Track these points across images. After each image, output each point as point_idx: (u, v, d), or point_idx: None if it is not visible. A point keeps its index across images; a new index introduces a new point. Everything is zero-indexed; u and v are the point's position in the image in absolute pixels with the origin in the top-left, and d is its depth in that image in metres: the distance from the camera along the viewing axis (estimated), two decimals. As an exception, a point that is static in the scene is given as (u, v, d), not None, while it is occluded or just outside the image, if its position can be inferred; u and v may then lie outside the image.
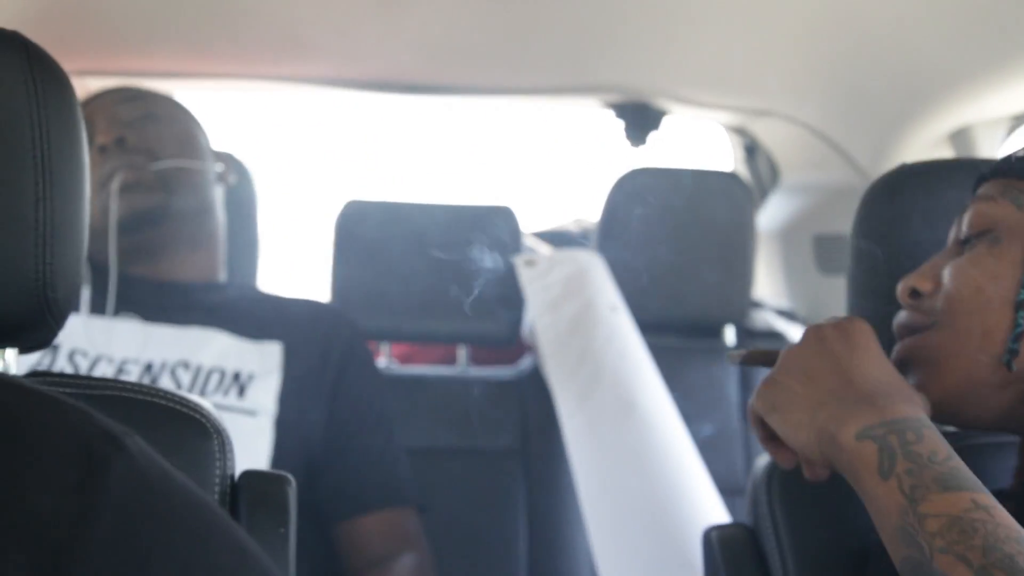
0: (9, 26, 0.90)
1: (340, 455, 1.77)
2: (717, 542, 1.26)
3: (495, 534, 2.14)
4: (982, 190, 1.07)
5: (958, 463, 0.87)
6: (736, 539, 1.26)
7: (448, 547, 1.91)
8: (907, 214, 1.32)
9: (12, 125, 0.85)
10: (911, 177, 1.36)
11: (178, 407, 1.06)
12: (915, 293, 1.07)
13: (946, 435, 1.24)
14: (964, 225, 1.07)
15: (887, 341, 1.15)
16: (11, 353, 1.02)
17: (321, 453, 1.75)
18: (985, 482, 1.16)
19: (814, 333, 1.01)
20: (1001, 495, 1.06)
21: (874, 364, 0.97)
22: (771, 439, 1.02)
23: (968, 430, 1.21)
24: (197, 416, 1.06)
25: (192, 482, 0.61)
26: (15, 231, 0.85)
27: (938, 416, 1.04)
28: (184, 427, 1.05)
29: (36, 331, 0.91)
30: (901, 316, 1.11)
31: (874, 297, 1.29)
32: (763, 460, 1.28)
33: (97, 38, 2.26)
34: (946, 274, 1.04)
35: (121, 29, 2.23)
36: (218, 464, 1.06)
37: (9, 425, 0.56)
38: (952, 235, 1.10)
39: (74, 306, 0.94)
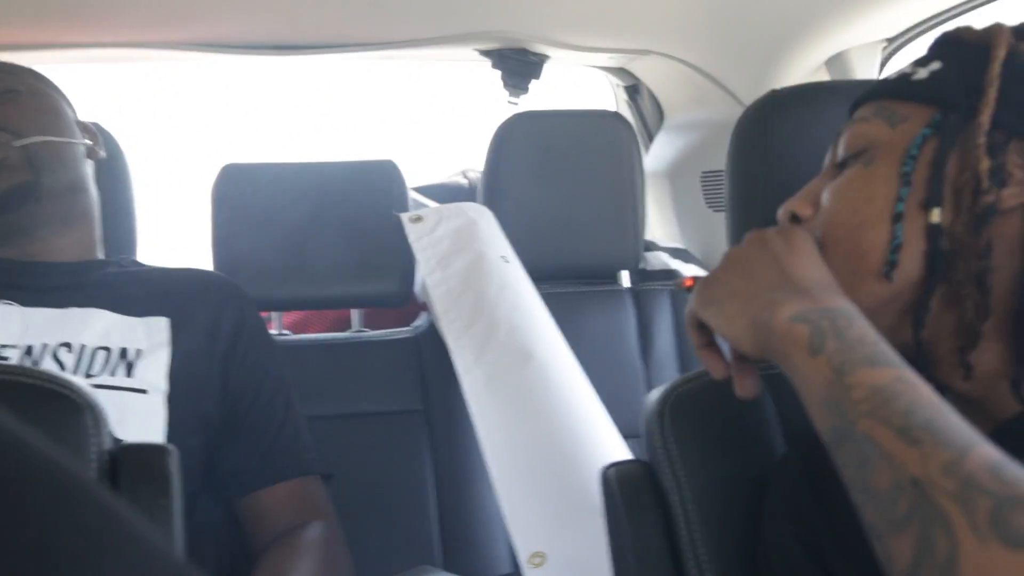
0: None
1: (239, 428, 1.77)
2: (615, 480, 1.28)
3: (404, 495, 2.15)
4: (858, 112, 1.10)
5: (886, 347, 0.89)
6: (633, 475, 1.28)
7: (357, 513, 1.91)
8: (781, 140, 1.36)
9: None
10: (781, 103, 1.40)
11: (46, 384, 1.07)
12: (795, 218, 1.11)
13: None
14: (840, 147, 1.11)
15: None
16: None
17: (219, 428, 1.75)
18: None
19: (757, 235, 1.04)
20: None
21: (812, 265, 1.00)
22: (706, 347, 1.06)
23: None
24: (67, 392, 1.07)
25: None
26: None
27: None
28: (55, 404, 1.06)
29: None
30: None
31: (754, 224, 1.28)
32: (655, 394, 1.30)
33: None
34: (824, 197, 1.08)
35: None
36: (93, 439, 1.07)
37: None
38: (828, 158, 1.14)
39: None
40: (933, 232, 0.99)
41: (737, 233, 1.39)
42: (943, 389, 1.06)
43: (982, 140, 0.97)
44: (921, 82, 1.05)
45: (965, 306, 0.99)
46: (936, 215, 0.99)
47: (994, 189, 0.97)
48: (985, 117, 0.98)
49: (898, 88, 1.07)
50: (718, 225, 2.71)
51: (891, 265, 1.00)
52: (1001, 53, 1.00)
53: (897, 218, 1.00)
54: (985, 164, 0.97)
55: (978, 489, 0.72)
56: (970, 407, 1.01)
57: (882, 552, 0.77)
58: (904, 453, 0.77)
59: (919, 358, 1.02)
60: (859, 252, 1.03)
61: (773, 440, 1.29)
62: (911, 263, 1.01)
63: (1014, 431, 0.99)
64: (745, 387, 1.03)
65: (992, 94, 0.98)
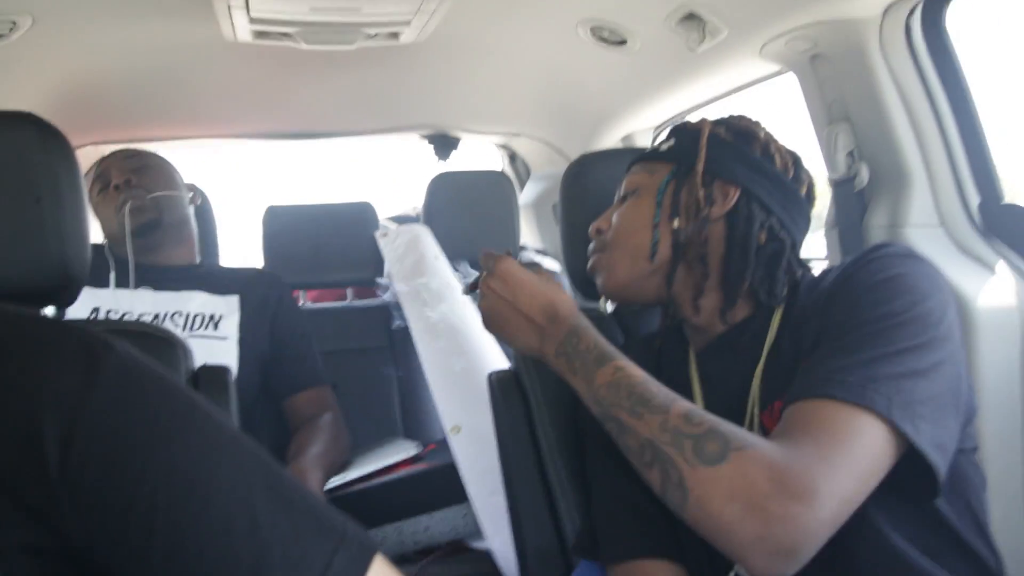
0: (46, 115, 0.93)
1: (281, 359, 1.79)
2: (496, 382, 1.31)
3: (377, 401, 2.15)
4: (633, 168, 1.14)
5: (602, 343, 0.92)
6: (507, 379, 1.31)
7: (350, 409, 1.90)
8: (590, 183, 1.38)
9: (30, 174, 0.88)
10: (587, 163, 1.41)
11: (156, 333, 1.10)
12: (598, 231, 1.13)
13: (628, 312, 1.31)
14: (622, 188, 1.14)
15: (587, 268, 1.21)
16: (50, 310, 1.06)
17: (269, 359, 1.77)
18: (646, 329, 1.23)
19: (486, 287, 1.02)
20: (652, 337, 1.16)
21: (534, 294, 0.99)
22: None
23: (637, 305, 1.28)
24: (166, 336, 1.10)
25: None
26: (42, 238, 0.88)
27: (619, 298, 1.15)
28: (161, 345, 1.08)
29: (60, 296, 0.93)
30: (591, 245, 1.15)
31: (576, 235, 1.33)
32: None
33: (105, 119, 2.22)
34: (614, 218, 1.11)
35: (120, 113, 2.19)
36: (183, 363, 1.09)
37: (34, 336, 0.53)
38: (617, 194, 1.15)
39: (85, 278, 0.95)
40: (676, 234, 1.04)
41: (568, 236, 1.39)
42: (684, 319, 1.10)
43: (698, 180, 1.03)
44: (664, 151, 1.09)
45: (694, 273, 1.03)
46: (676, 223, 1.03)
47: (706, 207, 1.02)
48: (699, 167, 1.03)
49: (653, 154, 1.11)
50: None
51: (653, 252, 1.05)
52: (706, 132, 1.05)
53: (655, 227, 1.05)
54: (701, 193, 1.02)
55: (681, 435, 0.78)
56: (698, 331, 1.07)
57: (643, 478, 0.81)
58: (637, 424, 0.81)
59: (669, 303, 1.08)
60: (635, 246, 1.07)
61: None
62: (664, 251, 1.05)
63: (721, 340, 1.04)
64: None
65: (702, 155, 1.03)
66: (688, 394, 1.02)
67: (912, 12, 1.40)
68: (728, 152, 1.04)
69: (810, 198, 1.07)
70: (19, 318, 0.54)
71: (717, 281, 1.04)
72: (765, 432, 0.91)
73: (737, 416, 0.95)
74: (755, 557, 0.72)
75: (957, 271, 1.37)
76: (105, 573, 0.52)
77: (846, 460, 0.74)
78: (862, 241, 1.53)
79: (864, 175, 1.53)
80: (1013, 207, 1.45)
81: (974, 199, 1.47)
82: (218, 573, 0.51)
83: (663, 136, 1.13)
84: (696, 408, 0.82)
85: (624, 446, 0.84)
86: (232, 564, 0.51)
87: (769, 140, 1.06)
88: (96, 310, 1.63)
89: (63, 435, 0.49)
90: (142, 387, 0.53)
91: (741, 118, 1.09)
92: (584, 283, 1.34)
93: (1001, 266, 1.42)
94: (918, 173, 1.47)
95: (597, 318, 1.34)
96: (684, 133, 1.09)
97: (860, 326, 0.84)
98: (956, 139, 1.46)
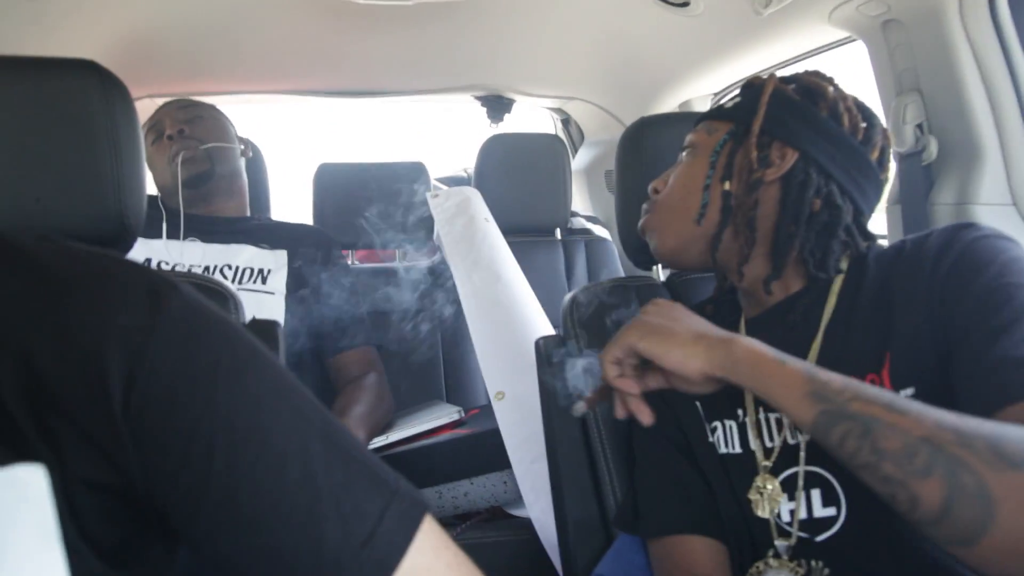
0: (105, 65, 0.93)
1: (326, 317, 1.79)
2: (543, 347, 1.30)
3: (422, 361, 2.14)
4: (697, 126, 1.08)
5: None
6: (553, 343, 1.29)
7: (395, 371, 1.91)
8: (646, 148, 1.34)
9: (91, 122, 0.88)
10: (646, 126, 1.38)
11: (210, 284, 1.11)
12: (655, 191, 1.08)
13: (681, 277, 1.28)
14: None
15: (641, 236, 1.16)
16: None
17: (315, 316, 1.76)
18: (698, 298, 1.18)
19: (657, 304, 0.91)
20: (707, 302, 1.13)
21: (697, 320, 0.88)
22: (621, 377, 0.88)
23: (689, 271, 1.26)
24: (220, 289, 1.10)
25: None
26: (100, 186, 0.88)
27: (670, 263, 1.08)
28: (214, 295, 1.09)
29: (117, 244, 0.93)
30: (644, 206, 1.11)
31: (631, 202, 1.31)
32: (567, 297, 1.30)
33: (163, 72, 2.23)
34: (671, 179, 1.07)
35: (177, 67, 2.20)
36: (233, 315, 1.10)
37: (104, 272, 0.53)
38: (678, 157, 1.09)
39: (141, 227, 0.95)
40: (725, 196, 0.98)
41: (622, 203, 1.36)
42: (732, 287, 1.09)
43: (753, 140, 0.97)
44: (728, 108, 1.03)
45: (740, 239, 0.98)
46: (727, 185, 0.98)
47: (760, 170, 0.96)
48: (756, 127, 0.97)
49: (716, 112, 1.05)
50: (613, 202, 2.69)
51: (701, 215, 1.00)
52: (768, 89, 0.98)
53: (705, 188, 1.00)
54: (754, 154, 0.96)
55: (967, 433, 0.62)
56: (751, 299, 1.03)
57: (904, 497, 0.64)
58: (902, 420, 0.64)
59: (716, 268, 1.05)
60: (684, 208, 1.02)
61: None
62: (712, 214, 1.00)
63: (773, 312, 1.00)
64: (644, 413, 0.89)
65: (761, 113, 0.97)
66: None
67: (997, -24, 1.34)
68: (790, 111, 0.97)
69: (882, 163, 0.98)
70: (90, 255, 0.55)
71: (767, 248, 0.99)
72: None
73: None
74: None
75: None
76: (161, 513, 0.53)
77: None
78: (927, 218, 1.47)
79: (933, 149, 1.47)
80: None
81: (1051, 178, 1.41)
82: (271, 518, 0.51)
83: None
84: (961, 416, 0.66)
85: (871, 448, 0.66)
86: (285, 510, 0.51)
87: (839, 98, 0.98)
88: (148, 261, 1.65)
89: (127, 372, 0.50)
90: (206, 329, 0.54)
91: (812, 74, 1.02)
92: (636, 251, 1.32)
93: (1075, 249, 1.36)
94: (992, 149, 1.41)
95: (648, 286, 1.33)
96: (750, 90, 1.03)
97: (1014, 310, 0.76)
98: (1035, 114, 1.39)
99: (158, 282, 0.54)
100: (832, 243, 0.95)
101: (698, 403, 1.04)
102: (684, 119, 1.33)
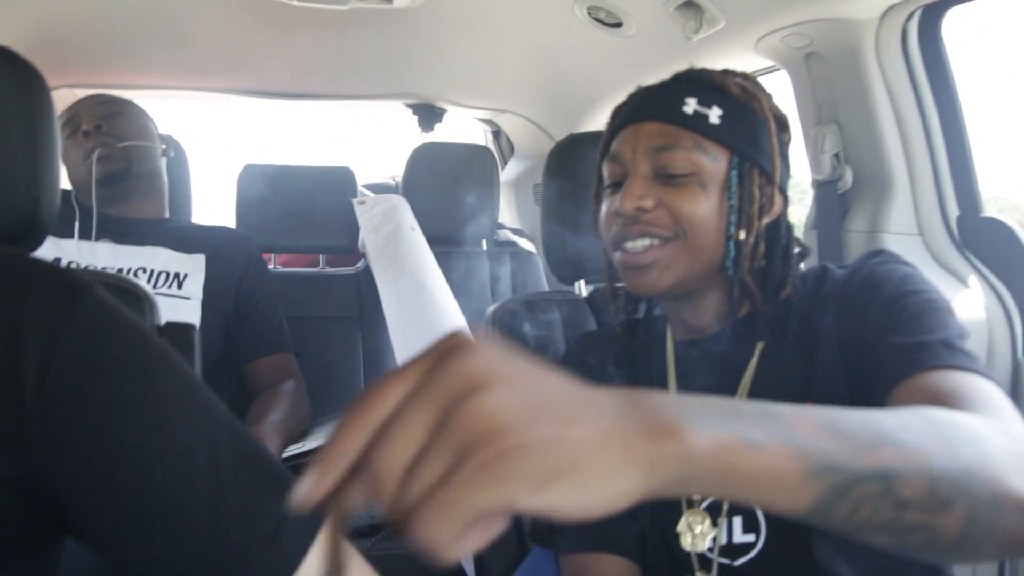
0: (20, 51, 0.88)
1: (244, 323, 1.75)
2: None
3: (342, 368, 2.13)
4: (669, 138, 0.90)
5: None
6: None
7: (313, 378, 1.89)
8: (574, 163, 1.35)
9: (3, 110, 0.84)
10: (575, 142, 1.39)
11: (123, 284, 1.08)
12: (641, 209, 0.90)
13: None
14: (657, 162, 0.90)
15: (565, 250, 1.20)
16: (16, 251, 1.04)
17: (232, 321, 1.73)
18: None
19: (469, 369, 0.39)
20: (621, 323, 1.06)
21: (577, 387, 0.41)
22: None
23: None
24: (133, 289, 1.08)
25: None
26: (12, 179, 0.84)
27: (660, 296, 0.98)
28: (127, 295, 1.06)
29: (27, 240, 0.89)
30: (622, 227, 0.92)
31: (557, 216, 1.31)
32: (490, 309, 1.30)
33: (82, 62, 2.15)
34: (674, 201, 0.89)
35: (97, 57, 2.13)
36: (148, 317, 1.07)
37: (17, 270, 0.55)
38: (633, 159, 0.91)
39: (53, 223, 0.91)
40: (741, 244, 0.91)
41: (547, 218, 1.36)
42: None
43: (756, 183, 0.91)
44: (721, 129, 0.90)
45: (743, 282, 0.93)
46: (741, 234, 0.91)
47: (760, 215, 0.92)
48: (776, 175, 0.92)
49: (703, 126, 0.90)
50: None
51: (731, 262, 0.91)
52: (772, 127, 0.91)
53: (729, 238, 0.91)
54: (758, 196, 0.91)
55: (954, 435, 0.53)
56: (684, 323, 0.99)
57: (922, 538, 0.50)
58: (914, 453, 0.50)
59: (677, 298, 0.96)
60: (709, 247, 0.90)
61: (557, 338, 1.30)
62: (741, 261, 0.92)
63: (709, 336, 0.96)
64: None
65: (776, 160, 0.92)
66: (662, 387, 1.00)
67: (910, 17, 1.41)
68: (781, 148, 0.93)
69: None
70: (5, 256, 0.57)
71: (734, 285, 0.93)
72: None
73: None
74: None
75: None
76: (61, 509, 0.54)
77: None
78: (841, 244, 1.53)
79: (848, 178, 1.54)
80: (991, 220, 1.46)
81: (953, 211, 1.49)
82: (177, 513, 0.52)
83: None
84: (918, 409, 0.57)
85: (894, 502, 0.49)
86: (191, 504, 0.52)
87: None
88: (58, 260, 1.59)
89: (41, 361, 0.51)
90: (118, 326, 0.56)
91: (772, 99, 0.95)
92: (560, 265, 1.33)
93: (973, 280, 1.43)
94: (901, 180, 1.48)
95: (571, 301, 1.34)
96: (738, 109, 0.91)
97: (909, 312, 0.80)
98: (941, 149, 1.47)
99: (72, 280, 0.56)
100: (790, 273, 0.94)
101: None
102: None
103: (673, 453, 0.40)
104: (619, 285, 1.03)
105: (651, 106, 0.93)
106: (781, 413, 0.47)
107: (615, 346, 1.05)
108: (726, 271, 0.92)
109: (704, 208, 0.89)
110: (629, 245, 0.92)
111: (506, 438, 0.35)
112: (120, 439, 0.52)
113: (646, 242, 0.91)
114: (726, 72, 0.95)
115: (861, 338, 0.83)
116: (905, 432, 0.51)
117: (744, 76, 0.96)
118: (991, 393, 0.69)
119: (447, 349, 0.38)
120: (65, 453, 0.52)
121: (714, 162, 0.90)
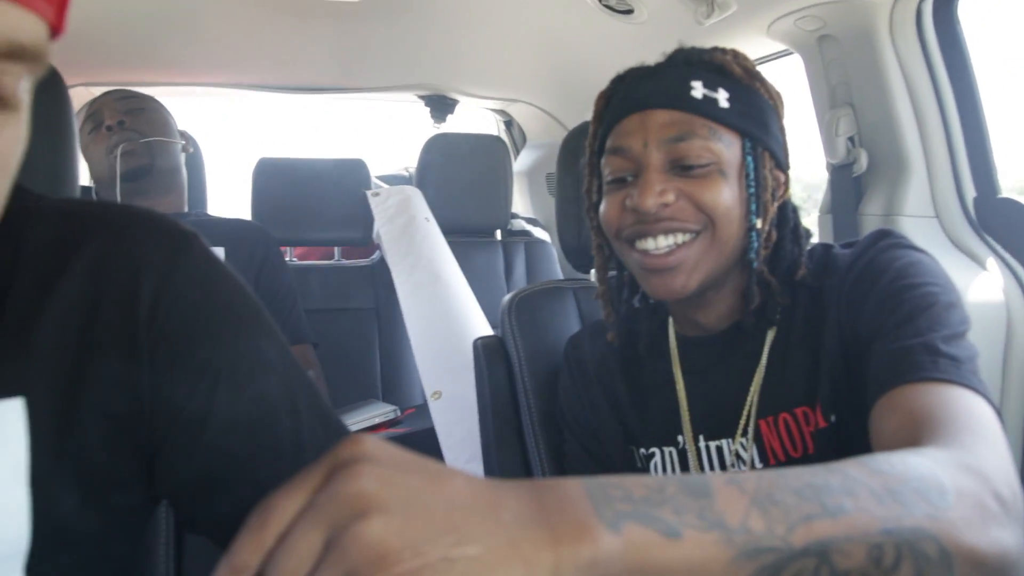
0: None
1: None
2: (481, 347, 1.29)
3: (359, 360, 2.15)
4: (685, 127, 0.85)
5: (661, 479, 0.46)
6: (491, 345, 1.29)
7: (330, 370, 1.90)
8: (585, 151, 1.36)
9: None
10: (586, 130, 1.35)
11: None
12: (664, 205, 0.85)
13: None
14: (673, 152, 0.85)
15: (580, 239, 1.18)
16: None
17: None
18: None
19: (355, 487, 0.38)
20: (615, 325, 1.02)
21: (462, 475, 0.40)
22: None
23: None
24: None
25: None
26: (31, 177, 0.82)
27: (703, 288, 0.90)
28: None
29: None
30: (657, 226, 0.86)
31: (572, 205, 1.29)
32: (507, 298, 1.29)
33: (99, 60, 2.17)
34: (696, 192, 0.85)
35: (114, 54, 2.15)
36: None
37: (132, 216, 0.57)
38: (649, 147, 0.85)
39: None
40: (761, 232, 0.88)
41: (561, 208, 1.33)
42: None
43: (768, 167, 0.88)
44: (732, 114, 0.86)
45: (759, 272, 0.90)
46: (759, 224, 0.87)
47: (777, 198, 0.90)
48: (787, 156, 0.91)
49: (713, 111, 0.86)
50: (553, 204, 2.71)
51: (756, 254, 0.88)
52: (782, 111, 0.90)
53: (751, 227, 0.87)
54: (771, 180, 0.88)
55: (903, 491, 0.50)
56: (690, 321, 0.96)
57: None
58: (854, 521, 0.47)
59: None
60: (734, 239, 0.87)
61: (572, 326, 1.28)
62: (763, 251, 0.90)
63: (715, 334, 0.94)
64: None
65: (785, 143, 0.90)
66: (669, 386, 0.98)
67: (925, -2, 1.39)
68: (782, 129, 0.92)
69: None
70: (116, 204, 0.62)
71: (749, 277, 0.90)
72: (760, 441, 0.89)
73: (727, 421, 0.92)
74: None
75: (948, 264, 1.32)
76: (160, 445, 0.55)
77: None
78: (856, 228, 1.52)
79: (863, 162, 1.52)
80: (1008, 201, 1.45)
81: (970, 193, 1.47)
82: (257, 465, 0.54)
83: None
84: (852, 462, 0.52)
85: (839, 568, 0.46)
86: (271, 459, 0.55)
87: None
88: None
89: (153, 299, 0.54)
90: (223, 276, 0.59)
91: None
92: (577, 255, 1.32)
93: (991, 262, 1.42)
94: (917, 163, 1.47)
95: (586, 289, 1.33)
96: (743, 91, 0.88)
97: (904, 310, 0.77)
98: (958, 131, 1.46)
99: (180, 226, 0.58)
100: (802, 253, 0.91)
101: (629, 426, 1.01)
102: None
103: (582, 557, 0.38)
104: (612, 275, 1.01)
105: (656, 92, 0.87)
106: (709, 490, 0.44)
107: (615, 349, 1.04)
108: (748, 263, 0.89)
109: (728, 197, 0.85)
110: (651, 246, 0.87)
111: (396, 564, 0.34)
112: (216, 383, 0.54)
113: (670, 240, 0.86)
114: (715, 50, 0.90)
115: (858, 335, 0.82)
116: (848, 496, 0.48)
117: (735, 53, 0.91)
118: (969, 410, 0.66)
119: (336, 465, 0.37)
120: (168, 392, 0.54)
121: (729, 148, 0.86)
